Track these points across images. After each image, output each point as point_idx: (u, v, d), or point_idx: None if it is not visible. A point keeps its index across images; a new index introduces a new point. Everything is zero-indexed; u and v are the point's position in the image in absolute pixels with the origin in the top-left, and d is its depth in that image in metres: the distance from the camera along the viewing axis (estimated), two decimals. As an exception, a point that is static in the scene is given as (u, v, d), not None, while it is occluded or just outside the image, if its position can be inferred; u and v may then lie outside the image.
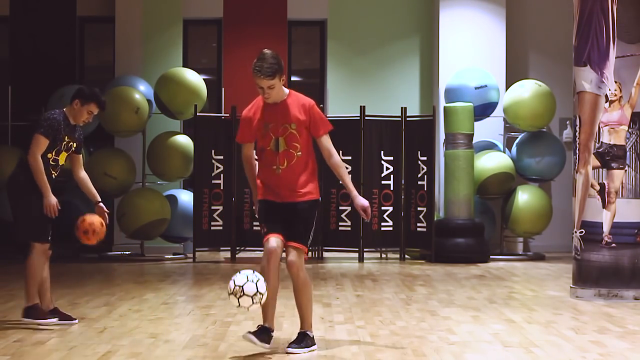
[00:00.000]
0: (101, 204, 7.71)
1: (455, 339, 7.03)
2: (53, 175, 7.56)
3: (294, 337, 6.66)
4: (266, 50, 6.47)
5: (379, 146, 13.37)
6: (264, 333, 6.44)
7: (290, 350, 6.45)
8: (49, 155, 7.48)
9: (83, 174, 7.72)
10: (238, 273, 6.25)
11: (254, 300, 6.19)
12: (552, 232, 14.01)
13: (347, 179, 6.62)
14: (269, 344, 6.43)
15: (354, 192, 6.61)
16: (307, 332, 6.59)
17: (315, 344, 6.58)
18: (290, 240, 6.49)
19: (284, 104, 6.52)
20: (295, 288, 6.59)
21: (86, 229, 7.58)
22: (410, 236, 13.30)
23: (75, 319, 7.62)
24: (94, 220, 7.60)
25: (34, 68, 14.39)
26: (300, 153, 6.51)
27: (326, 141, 6.58)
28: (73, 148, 7.64)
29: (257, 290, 6.18)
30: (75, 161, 7.71)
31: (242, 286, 6.17)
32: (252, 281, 6.18)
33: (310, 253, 13.52)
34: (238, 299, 6.18)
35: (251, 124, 6.57)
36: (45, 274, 7.59)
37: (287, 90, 6.59)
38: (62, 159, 7.59)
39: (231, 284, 6.21)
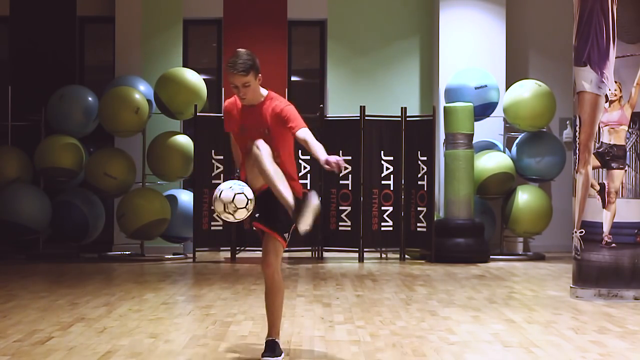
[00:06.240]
0: None
1: (455, 339, 7.03)
2: None
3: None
4: (240, 49, 6.17)
5: (379, 146, 13.36)
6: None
7: None
8: None
9: None
10: (222, 189, 6.00)
11: (248, 209, 6.02)
12: (552, 232, 14.01)
13: (318, 147, 6.13)
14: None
15: (323, 155, 6.13)
16: (277, 340, 6.25)
17: (282, 353, 6.26)
18: (272, 230, 6.23)
19: (260, 107, 6.22)
20: (267, 290, 6.27)
21: None
22: (410, 236, 13.29)
23: None
24: None
25: (34, 68, 14.39)
26: (277, 160, 6.15)
27: (304, 133, 6.12)
28: None
29: (248, 199, 6.00)
30: None
31: (233, 201, 5.97)
32: (240, 192, 6.00)
33: (310, 253, 13.57)
34: (233, 214, 5.99)
35: (232, 116, 6.30)
36: None
37: (265, 92, 6.26)
38: None
39: (221, 201, 5.97)
